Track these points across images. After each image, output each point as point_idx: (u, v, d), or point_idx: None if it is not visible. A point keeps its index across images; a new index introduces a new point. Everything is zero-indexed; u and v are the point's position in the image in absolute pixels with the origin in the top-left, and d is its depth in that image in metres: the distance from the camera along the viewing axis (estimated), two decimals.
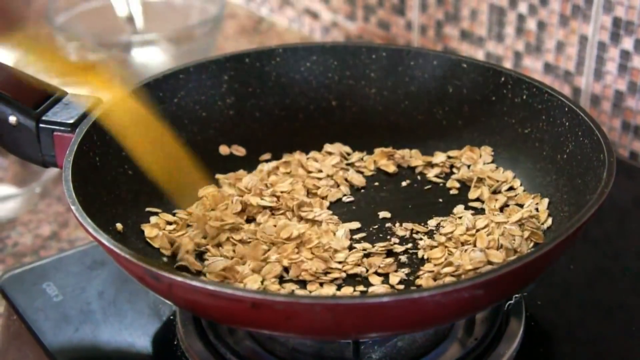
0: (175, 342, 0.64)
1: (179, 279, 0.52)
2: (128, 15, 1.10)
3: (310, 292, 0.60)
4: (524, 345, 0.63)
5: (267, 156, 0.75)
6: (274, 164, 0.73)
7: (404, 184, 0.72)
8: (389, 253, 0.64)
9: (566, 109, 0.66)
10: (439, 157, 0.73)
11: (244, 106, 0.76)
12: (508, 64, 0.94)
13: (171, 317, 0.66)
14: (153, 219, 0.67)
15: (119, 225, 0.64)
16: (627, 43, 0.83)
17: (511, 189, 0.70)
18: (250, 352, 0.62)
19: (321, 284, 0.61)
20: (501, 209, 0.68)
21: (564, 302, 0.68)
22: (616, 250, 0.74)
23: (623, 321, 0.66)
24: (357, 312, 0.51)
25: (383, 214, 0.68)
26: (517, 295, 0.64)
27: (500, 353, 0.61)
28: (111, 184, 0.66)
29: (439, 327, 0.62)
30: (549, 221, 0.65)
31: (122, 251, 0.55)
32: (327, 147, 0.75)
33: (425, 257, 0.63)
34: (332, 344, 0.60)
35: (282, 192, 0.69)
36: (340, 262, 0.62)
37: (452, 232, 0.65)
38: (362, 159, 0.75)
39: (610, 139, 0.87)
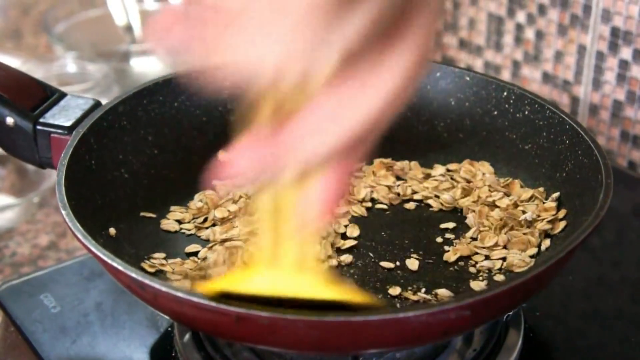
0: (173, 354, 0.64)
1: (164, 289, 0.52)
2: (126, 24, 1.10)
3: None
4: (523, 356, 0.62)
5: None
6: None
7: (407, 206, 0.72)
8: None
9: (567, 127, 0.66)
10: (438, 170, 0.73)
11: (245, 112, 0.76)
12: (506, 73, 0.94)
13: (169, 329, 0.66)
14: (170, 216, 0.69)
15: (112, 230, 0.64)
16: (626, 53, 0.84)
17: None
18: None
19: None
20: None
21: (563, 312, 0.68)
22: (615, 260, 0.74)
23: (623, 331, 0.66)
24: (341, 329, 0.50)
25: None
26: None
27: None
28: (106, 188, 0.66)
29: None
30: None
31: (109, 258, 0.54)
32: None
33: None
34: (331, 357, 0.60)
35: None
36: None
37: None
38: (360, 169, 0.75)
39: (609, 148, 0.87)
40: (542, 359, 0.63)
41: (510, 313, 0.63)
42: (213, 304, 0.51)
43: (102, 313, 0.68)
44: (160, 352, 0.64)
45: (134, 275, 0.53)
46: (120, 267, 0.54)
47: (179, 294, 0.52)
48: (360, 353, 0.58)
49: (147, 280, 0.53)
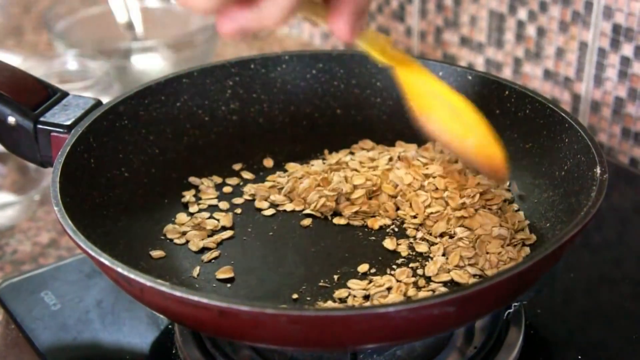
0: (173, 351, 0.64)
1: (149, 283, 0.52)
2: (128, 22, 1.10)
3: None
4: (524, 353, 0.62)
5: (269, 162, 0.75)
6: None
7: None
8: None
9: (566, 125, 0.66)
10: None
11: (247, 112, 0.76)
12: (508, 71, 0.94)
13: (169, 326, 0.66)
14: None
15: (108, 228, 0.64)
16: (627, 49, 0.83)
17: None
18: None
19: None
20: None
21: (564, 310, 0.68)
22: (616, 257, 0.74)
23: (624, 329, 0.66)
24: (321, 324, 0.51)
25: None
26: (516, 304, 0.63)
27: None
28: (105, 186, 0.66)
29: (435, 337, 0.62)
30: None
31: (97, 254, 0.55)
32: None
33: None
34: (330, 353, 0.60)
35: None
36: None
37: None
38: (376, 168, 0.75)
39: (610, 145, 0.87)
40: (543, 356, 0.63)
41: (511, 310, 0.63)
42: (196, 298, 0.51)
43: (103, 311, 0.68)
44: (161, 349, 0.64)
45: (119, 269, 0.54)
46: (106, 262, 0.54)
47: (163, 289, 0.52)
48: (349, 349, 0.58)
49: (133, 275, 0.53)
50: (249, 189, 0.71)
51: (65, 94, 0.69)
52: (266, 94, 0.76)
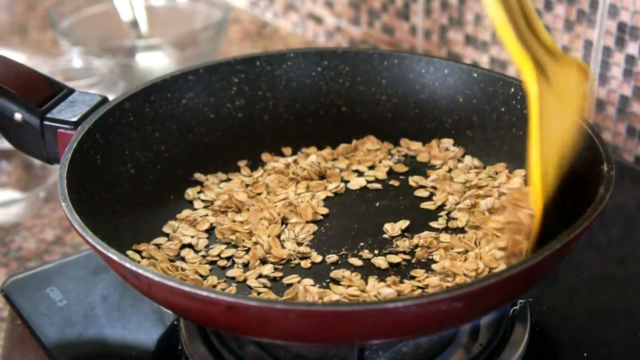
0: (179, 347, 0.64)
1: (157, 279, 0.52)
2: (132, 20, 1.10)
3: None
4: (529, 351, 0.62)
5: (275, 160, 0.75)
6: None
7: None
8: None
9: None
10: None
11: (252, 109, 0.76)
12: (512, 69, 0.94)
13: (175, 322, 0.66)
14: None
15: (114, 224, 0.64)
16: (632, 48, 0.83)
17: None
18: (255, 357, 0.62)
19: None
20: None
21: (569, 307, 0.68)
22: (621, 256, 0.74)
23: (628, 327, 0.66)
24: (330, 319, 0.51)
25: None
26: (522, 301, 0.64)
27: (505, 359, 0.61)
28: (111, 182, 0.66)
29: (441, 334, 0.62)
30: None
31: (104, 249, 0.55)
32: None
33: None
34: (336, 349, 0.60)
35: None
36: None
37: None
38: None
39: (615, 144, 0.87)
40: (548, 354, 0.63)
41: (517, 307, 0.63)
42: (204, 293, 0.51)
43: (108, 306, 0.68)
44: (167, 345, 0.65)
45: (127, 265, 0.54)
46: (114, 257, 0.54)
47: (171, 284, 0.52)
48: (356, 344, 0.58)
49: (141, 270, 0.53)
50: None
51: (71, 91, 0.69)
52: (271, 92, 0.76)
